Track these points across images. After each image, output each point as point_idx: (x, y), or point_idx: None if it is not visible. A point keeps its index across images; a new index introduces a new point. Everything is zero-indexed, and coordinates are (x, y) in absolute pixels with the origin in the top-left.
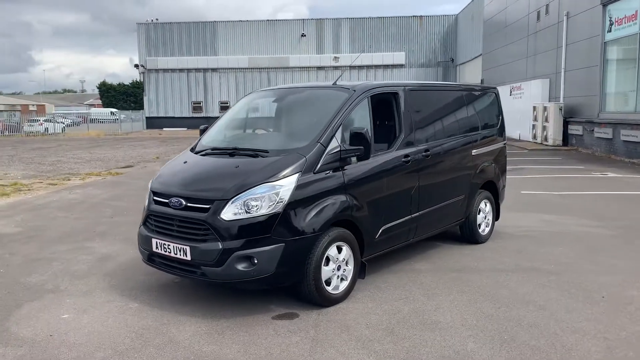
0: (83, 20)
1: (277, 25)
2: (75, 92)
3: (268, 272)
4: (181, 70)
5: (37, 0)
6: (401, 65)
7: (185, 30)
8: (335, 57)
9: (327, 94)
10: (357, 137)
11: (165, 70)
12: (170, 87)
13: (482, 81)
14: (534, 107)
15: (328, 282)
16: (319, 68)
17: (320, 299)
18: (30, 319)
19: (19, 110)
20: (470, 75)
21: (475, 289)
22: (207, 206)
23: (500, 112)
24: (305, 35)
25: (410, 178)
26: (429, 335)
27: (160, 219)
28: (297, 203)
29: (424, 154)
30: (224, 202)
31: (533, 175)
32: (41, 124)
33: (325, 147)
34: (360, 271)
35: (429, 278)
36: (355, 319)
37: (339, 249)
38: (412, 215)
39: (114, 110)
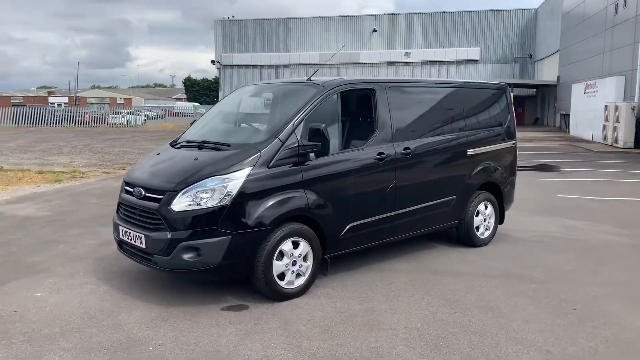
0: (177, 17)
1: (349, 21)
2: (165, 86)
3: (213, 263)
4: (254, 66)
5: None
6: (475, 61)
7: (259, 26)
8: (407, 53)
9: (299, 89)
10: (315, 133)
11: (239, 66)
12: (244, 82)
13: (558, 78)
14: (605, 107)
15: (282, 277)
16: (390, 64)
17: (271, 293)
18: (7, 294)
19: (108, 103)
20: (549, 71)
21: (442, 293)
22: (160, 197)
23: (509, 111)
24: (376, 31)
25: (385, 176)
26: (362, 336)
27: (126, 207)
28: (246, 197)
29: (403, 152)
30: (175, 193)
31: (583, 179)
32: (124, 116)
33: (283, 142)
34: (323, 268)
35: (402, 279)
36: (299, 315)
37: (296, 245)
38: (388, 214)
39: (196, 104)
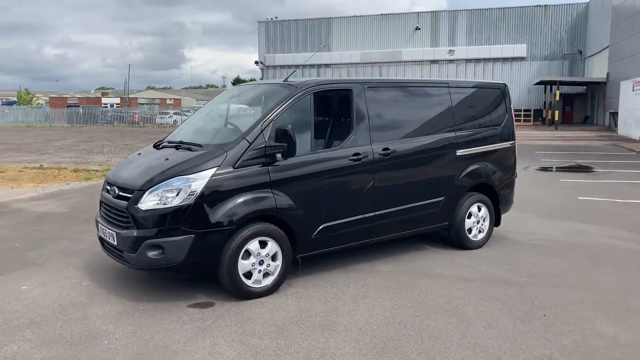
0: (228, 19)
1: (391, 19)
2: (217, 87)
3: (176, 261)
4: (296, 66)
5: (191, 1)
6: (522, 58)
7: (301, 27)
8: (451, 51)
9: (274, 90)
10: (281, 134)
11: (282, 67)
12: None
13: (607, 75)
14: None
15: (249, 276)
16: (433, 62)
17: (236, 292)
18: None
19: (157, 104)
20: (599, 68)
21: (412, 295)
22: (130, 195)
23: (507, 110)
24: (419, 29)
25: (361, 177)
26: (314, 336)
27: (104, 205)
28: (210, 196)
29: (382, 152)
30: (142, 192)
31: (613, 180)
32: (170, 117)
33: (251, 143)
34: (295, 268)
35: (377, 280)
36: (260, 314)
37: (263, 244)
38: (367, 215)
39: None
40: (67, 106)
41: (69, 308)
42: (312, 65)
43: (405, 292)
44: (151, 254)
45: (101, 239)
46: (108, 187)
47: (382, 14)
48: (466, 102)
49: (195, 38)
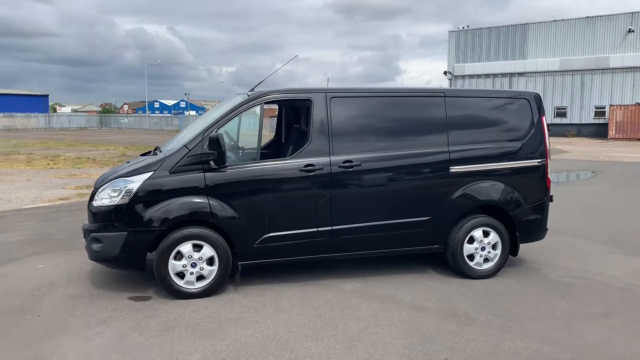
0: (444, 30)
1: (597, 21)
2: None
3: (112, 255)
4: (487, 75)
5: (408, 15)
6: None
7: (494, 34)
8: None
9: (233, 98)
10: (211, 142)
11: (471, 76)
12: None
13: None
14: None
15: (182, 276)
16: None
17: (167, 290)
18: (20, 260)
19: None
20: None
21: (330, 318)
22: (92, 193)
23: (534, 124)
24: (633, 31)
25: (315, 189)
26: (186, 341)
27: None
28: (143, 197)
29: (343, 165)
30: (96, 190)
31: None
32: None
33: (189, 150)
34: (236, 274)
35: (324, 297)
36: (174, 312)
37: (198, 247)
38: (321, 229)
39: None
40: None
41: (44, 288)
42: (503, 74)
43: (329, 313)
44: (94, 246)
45: None
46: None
47: (587, 17)
48: (470, 114)
49: (411, 50)
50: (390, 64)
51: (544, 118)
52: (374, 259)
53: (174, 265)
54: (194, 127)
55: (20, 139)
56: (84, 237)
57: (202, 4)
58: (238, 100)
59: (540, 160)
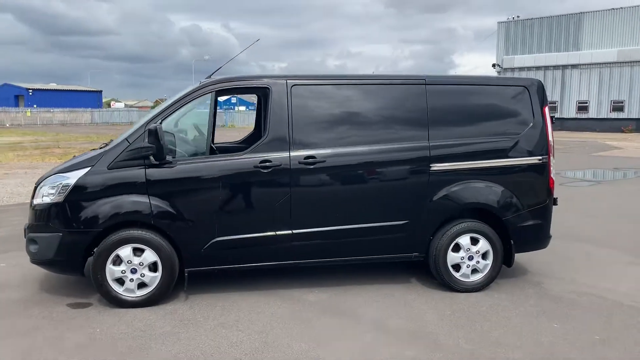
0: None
1: None
2: None
3: (47, 257)
4: (537, 68)
5: (462, 7)
6: None
7: (546, 25)
8: None
9: (187, 88)
10: (150, 135)
11: (520, 69)
12: None
13: None
14: None
15: (121, 282)
16: None
17: (105, 298)
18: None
19: None
20: None
21: (289, 339)
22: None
23: (534, 115)
24: None
25: (272, 188)
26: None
27: None
28: (77, 196)
29: (304, 161)
30: (35, 187)
31: None
32: None
33: (130, 144)
34: (184, 282)
35: (281, 310)
36: (98, 323)
37: (140, 251)
38: (279, 233)
39: None
40: None
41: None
42: (556, 67)
43: (277, 330)
44: (31, 247)
45: None
46: None
47: None
48: (456, 104)
49: (466, 43)
50: (444, 57)
51: (546, 109)
52: (354, 266)
53: (112, 270)
54: (143, 119)
55: (67, 133)
56: (24, 237)
57: (254, 0)
58: (188, 89)
59: (540, 157)
